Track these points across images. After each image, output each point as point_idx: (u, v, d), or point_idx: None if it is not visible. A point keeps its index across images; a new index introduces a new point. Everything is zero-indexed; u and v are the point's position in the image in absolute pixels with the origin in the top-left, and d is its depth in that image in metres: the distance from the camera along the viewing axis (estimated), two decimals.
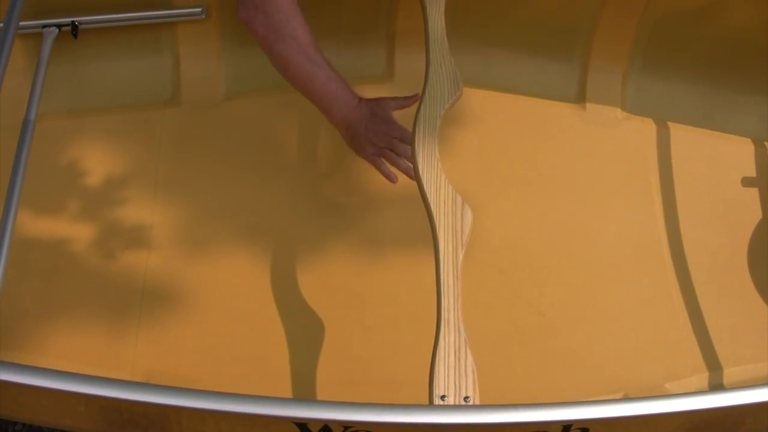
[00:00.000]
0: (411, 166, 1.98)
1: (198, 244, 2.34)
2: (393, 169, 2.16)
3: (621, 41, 2.60)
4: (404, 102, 2.18)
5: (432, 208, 1.82)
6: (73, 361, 2.11)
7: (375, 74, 2.59)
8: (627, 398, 2.17)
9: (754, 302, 2.42)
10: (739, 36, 2.56)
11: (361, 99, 2.13)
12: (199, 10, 2.43)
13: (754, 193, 2.58)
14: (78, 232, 2.32)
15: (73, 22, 2.37)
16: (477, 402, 1.54)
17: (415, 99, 2.12)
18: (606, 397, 2.20)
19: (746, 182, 2.58)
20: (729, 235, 2.52)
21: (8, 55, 2.02)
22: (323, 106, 2.13)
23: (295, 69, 2.09)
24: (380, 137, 2.12)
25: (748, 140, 2.64)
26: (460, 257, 1.77)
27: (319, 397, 2.15)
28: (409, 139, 2.03)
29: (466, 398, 1.56)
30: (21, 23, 2.13)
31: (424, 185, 1.85)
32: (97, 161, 2.41)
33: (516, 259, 2.41)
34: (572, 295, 2.37)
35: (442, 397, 1.57)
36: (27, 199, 2.12)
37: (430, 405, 1.53)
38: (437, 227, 1.80)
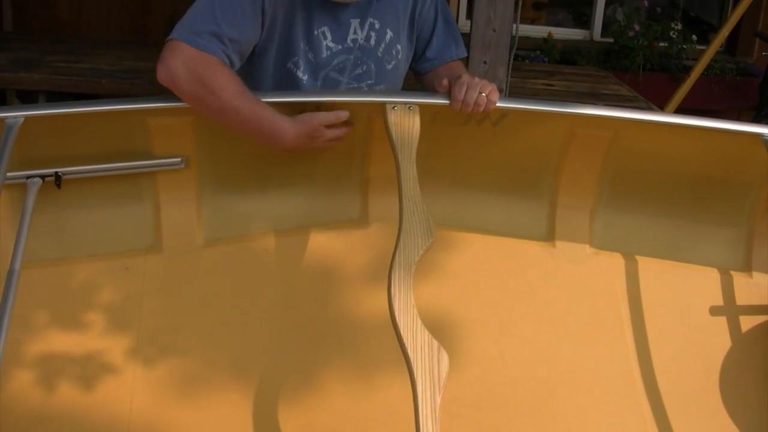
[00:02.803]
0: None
1: (181, 389, 2.35)
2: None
3: (587, 179, 2.67)
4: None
5: (409, 353, 1.87)
6: None
7: (349, 219, 2.63)
8: None
9: (729, 430, 2.46)
10: (698, 169, 2.65)
11: (291, 118, 2.38)
12: (178, 160, 2.47)
13: (722, 321, 2.63)
14: (62, 380, 2.32)
15: (56, 172, 2.40)
16: None
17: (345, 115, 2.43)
18: None
19: (714, 311, 2.63)
20: (701, 364, 2.56)
21: None
22: (269, 134, 2.37)
23: (232, 113, 2.32)
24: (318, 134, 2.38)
25: (714, 269, 2.70)
26: (438, 401, 1.81)
27: None
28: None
29: None
30: (6, 174, 2.19)
31: (401, 331, 1.90)
32: (80, 308, 2.42)
33: (492, 395, 2.44)
34: (549, 431, 2.40)
35: None
36: (12, 346, 2.13)
37: None
38: (415, 373, 1.84)
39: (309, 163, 2.59)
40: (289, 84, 2.55)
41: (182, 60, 2.26)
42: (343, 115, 2.42)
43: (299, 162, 2.58)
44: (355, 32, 2.56)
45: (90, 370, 2.35)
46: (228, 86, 2.29)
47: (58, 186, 2.41)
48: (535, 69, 5.94)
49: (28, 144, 2.31)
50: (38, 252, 2.41)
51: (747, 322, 2.62)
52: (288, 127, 2.35)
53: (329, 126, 2.40)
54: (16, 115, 2.27)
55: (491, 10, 3.17)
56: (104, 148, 2.44)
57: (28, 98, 4.80)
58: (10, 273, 2.16)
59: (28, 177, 2.38)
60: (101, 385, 2.34)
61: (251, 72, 2.56)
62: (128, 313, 2.43)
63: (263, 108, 2.33)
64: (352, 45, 2.57)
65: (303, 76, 2.56)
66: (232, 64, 2.36)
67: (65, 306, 2.42)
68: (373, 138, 2.53)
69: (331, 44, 2.54)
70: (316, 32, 2.52)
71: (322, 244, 2.59)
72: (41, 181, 2.39)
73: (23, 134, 2.26)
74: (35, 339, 2.36)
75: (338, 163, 2.61)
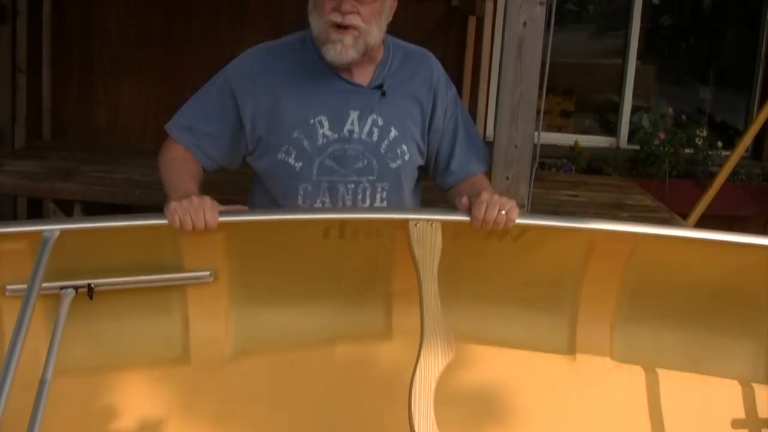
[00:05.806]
0: (193, 224, 2.35)
1: None
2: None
3: (607, 292, 2.70)
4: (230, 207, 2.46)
5: None
6: None
7: (373, 333, 2.67)
8: None
9: None
10: (718, 281, 2.66)
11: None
12: (207, 273, 2.53)
13: None
14: None
15: (89, 284, 2.45)
16: None
17: (242, 209, 2.48)
18: None
19: (736, 424, 2.63)
20: None
21: (30, 316, 2.13)
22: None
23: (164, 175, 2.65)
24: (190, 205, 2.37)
25: (735, 382, 2.70)
26: None
27: None
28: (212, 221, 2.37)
29: None
30: (41, 285, 2.25)
31: None
32: (108, 418, 2.46)
33: None
34: None
35: None
36: None
37: None
38: None
39: (335, 277, 2.65)
40: (285, 174, 2.66)
41: (163, 146, 2.75)
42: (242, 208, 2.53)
43: (325, 276, 2.63)
44: (351, 123, 2.66)
45: None
46: (164, 160, 2.70)
47: (91, 297, 2.46)
48: (559, 180, 5.99)
49: (63, 256, 2.37)
50: (68, 362, 2.44)
51: None
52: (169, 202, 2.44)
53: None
54: (52, 228, 2.34)
55: (513, 128, 3.24)
56: (136, 261, 2.50)
57: (64, 206, 4.89)
58: (42, 383, 2.20)
59: (62, 288, 2.44)
60: None
61: (258, 179, 2.79)
62: (155, 423, 2.47)
63: (172, 180, 2.60)
64: (348, 135, 2.67)
65: (296, 163, 2.67)
66: (204, 153, 2.72)
67: (94, 415, 2.46)
68: (396, 253, 2.58)
69: (327, 132, 2.66)
70: (312, 121, 2.65)
71: (347, 356, 2.61)
72: (74, 291, 2.44)
73: (58, 246, 2.32)
74: None
75: (363, 278, 2.66)
